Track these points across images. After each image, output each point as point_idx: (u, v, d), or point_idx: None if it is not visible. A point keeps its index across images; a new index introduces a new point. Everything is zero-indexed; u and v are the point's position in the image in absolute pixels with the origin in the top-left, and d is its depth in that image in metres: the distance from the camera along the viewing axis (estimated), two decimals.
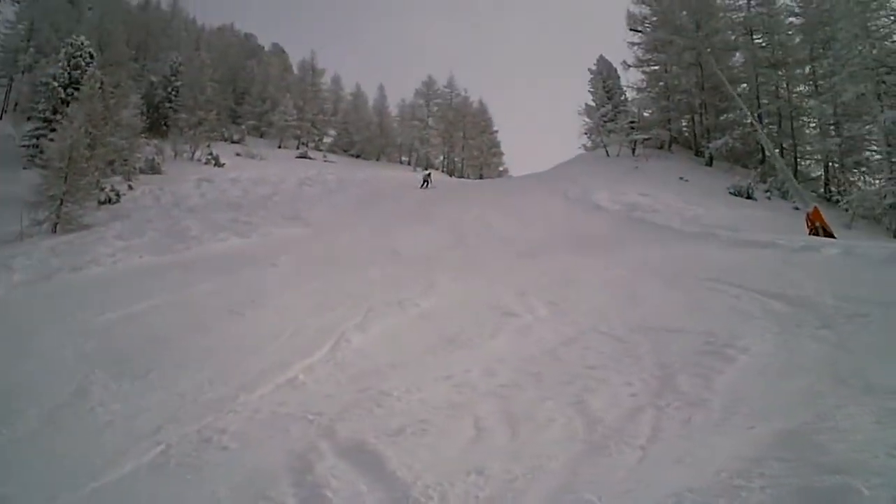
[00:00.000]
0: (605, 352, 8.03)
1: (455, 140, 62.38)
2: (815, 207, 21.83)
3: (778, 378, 6.18)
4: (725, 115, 41.94)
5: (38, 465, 5.71)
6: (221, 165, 43.05)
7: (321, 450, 5.28)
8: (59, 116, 35.38)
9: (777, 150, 42.76)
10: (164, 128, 47.50)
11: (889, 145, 26.61)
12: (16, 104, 47.20)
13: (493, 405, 6.23)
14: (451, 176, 57.87)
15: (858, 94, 27.68)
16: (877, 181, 27.99)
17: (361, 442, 5.36)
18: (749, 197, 33.00)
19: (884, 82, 27.07)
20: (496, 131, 66.43)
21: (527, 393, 6.56)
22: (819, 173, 39.20)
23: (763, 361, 6.91)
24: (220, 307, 12.71)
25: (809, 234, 20.73)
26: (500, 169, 66.01)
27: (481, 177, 60.01)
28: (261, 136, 58.69)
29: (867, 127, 29.02)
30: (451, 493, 4.47)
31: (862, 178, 33.20)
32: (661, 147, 43.46)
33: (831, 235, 20.38)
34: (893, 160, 26.68)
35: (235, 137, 53.10)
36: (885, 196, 26.23)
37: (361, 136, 60.62)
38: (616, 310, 10.57)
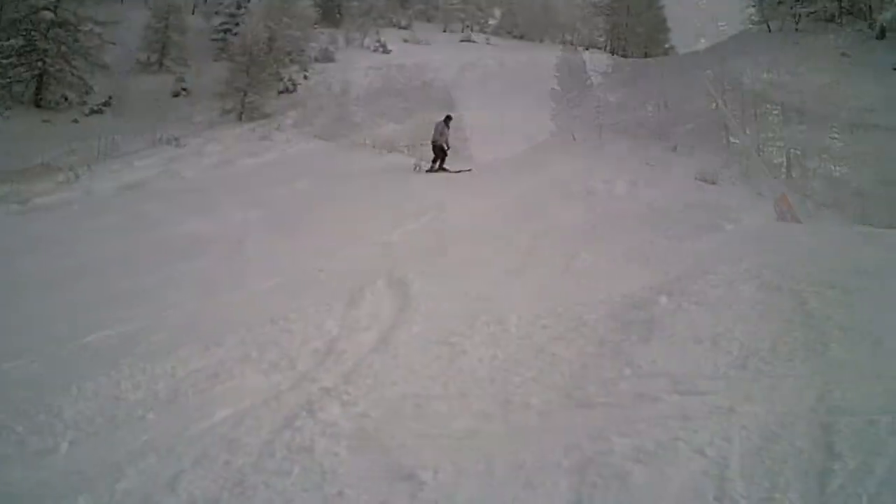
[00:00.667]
0: (632, 223, 9.84)
1: (619, 18, 61.05)
2: None
3: None
4: None
5: (205, 283, 8.66)
6: (389, 52, 45.49)
7: (377, 282, 7.70)
8: (241, 11, 39.14)
9: None
10: (338, 16, 50.41)
11: None
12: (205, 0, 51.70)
13: (515, 259, 8.42)
14: (612, 55, 57.25)
15: None
16: None
17: (404, 277, 7.76)
18: None
19: None
20: (662, 7, 64.12)
21: (547, 250, 8.66)
22: None
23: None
24: (361, 185, 15.40)
25: None
26: (666, 46, 64.03)
27: (646, 55, 58.80)
28: (427, 21, 60.48)
29: None
30: (436, 302, 6.85)
31: None
32: (830, 20, 41.04)
33: None
34: None
35: (403, 23, 55.24)
36: None
37: (524, 16, 60.89)
38: (678, 190, 12.12)
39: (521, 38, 59.73)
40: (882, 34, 37.40)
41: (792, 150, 17.33)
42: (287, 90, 33.91)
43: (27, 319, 7.42)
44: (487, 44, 53.23)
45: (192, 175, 19.82)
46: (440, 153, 17.67)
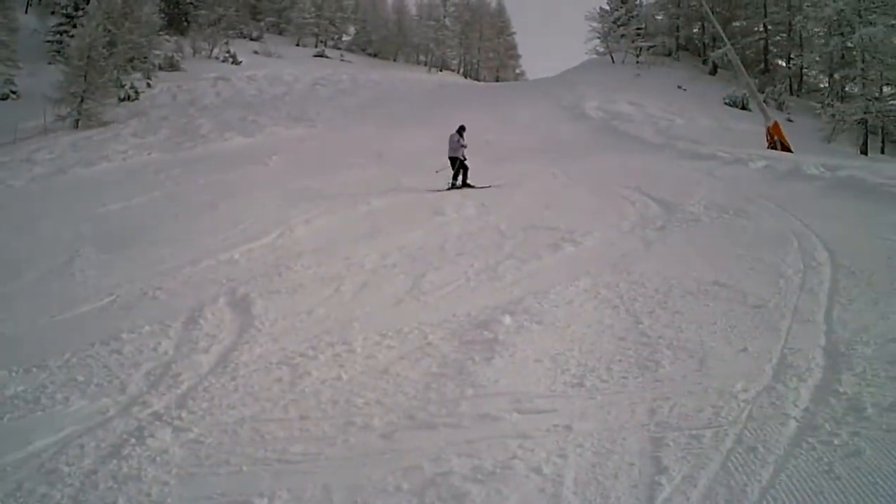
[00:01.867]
0: (484, 243, 10.05)
1: (471, 42, 62.84)
2: (775, 122, 23.11)
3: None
4: (733, 24, 42.19)
5: (25, 305, 8.05)
6: (239, 63, 44.54)
7: (218, 300, 7.48)
8: (80, 13, 37.08)
9: (784, 60, 43.41)
10: (184, 24, 48.80)
11: (864, 62, 27.53)
12: None
13: (361, 277, 8.35)
14: (465, 78, 58.68)
15: (838, 9, 28.39)
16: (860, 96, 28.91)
17: (246, 296, 7.56)
18: (744, 107, 33.59)
19: None
20: (514, 33, 66.82)
21: (395, 270, 8.66)
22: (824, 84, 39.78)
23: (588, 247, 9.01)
24: (203, 201, 14.87)
25: (768, 147, 22.09)
26: (517, 72, 66.65)
27: (497, 79, 60.80)
28: (279, 34, 59.73)
29: (848, 43, 29.72)
30: (281, 322, 6.67)
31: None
32: (668, 55, 44.06)
33: (788, 149, 21.75)
34: (867, 78, 27.70)
35: (254, 35, 54.28)
36: (854, 112, 27.34)
37: (379, 34, 61.38)
38: (526, 212, 12.49)
39: (375, 56, 60.19)
40: (714, 70, 40.59)
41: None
42: (128, 98, 32.47)
43: None
44: (342, 60, 53.23)
45: (20, 184, 18.51)
46: (461, 167, 16.46)
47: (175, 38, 44.46)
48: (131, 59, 35.45)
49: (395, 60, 60.94)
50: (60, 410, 4.91)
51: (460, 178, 16.42)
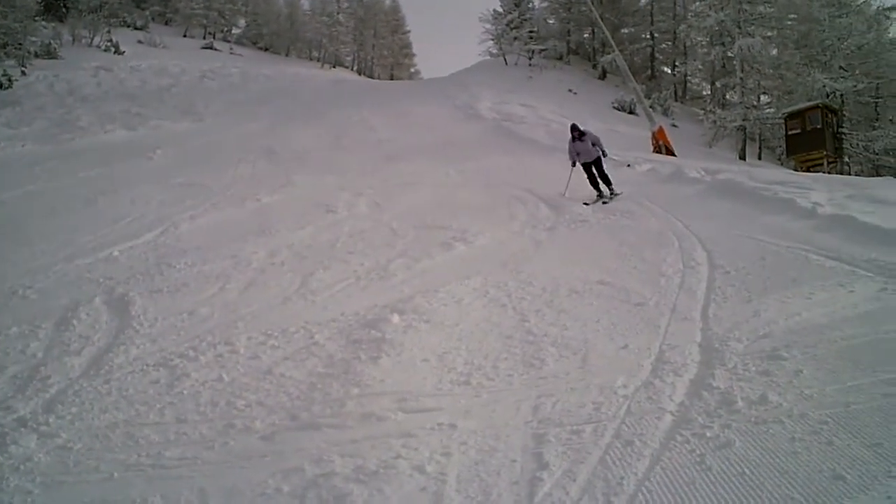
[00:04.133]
0: (375, 241, 10.01)
1: (365, 38, 62.44)
2: (661, 127, 24.00)
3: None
4: (622, 30, 43.63)
5: None
6: (121, 53, 42.64)
7: (94, 300, 7.15)
8: None
9: (669, 67, 45.27)
10: (63, 10, 46.39)
11: (743, 71, 29.05)
12: None
13: (248, 276, 8.17)
14: (360, 75, 58.29)
15: (719, 20, 29.82)
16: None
17: (125, 295, 7.26)
18: (631, 112, 34.67)
19: (745, 10, 29.29)
20: (408, 31, 66.83)
21: (283, 268, 8.51)
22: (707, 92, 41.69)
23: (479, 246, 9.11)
24: (81, 196, 14.16)
25: (653, 151, 22.93)
26: (412, 70, 66.78)
27: (392, 77, 60.69)
28: (166, 24, 57.61)
29: (728, 53, 31.31)
30: (161, 322, 6.45)
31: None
32: (560, 58, 45.11)
33: (672, 153, 22.63)
34: (746, 87, 29.28)
35: (138, 24, 52.12)
36: (733, 119, 28.80)
37: (270, 28, 60.09)
38: (419, 211, 12.51)
39: (267, 50, 58.91)
40: (603, 75, 41.86)
41: None
42: (1, 86, 30.52)
43: None
44: (231, 53, 51.84)
45: None
46: (603, 177, 13.38)
47: (53, 24, 42.22)
48: (4, 45, 33.43)
49: (287, 55, 59.84)
50: None
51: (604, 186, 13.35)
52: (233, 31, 60.95)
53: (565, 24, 45.81)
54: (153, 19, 56.17)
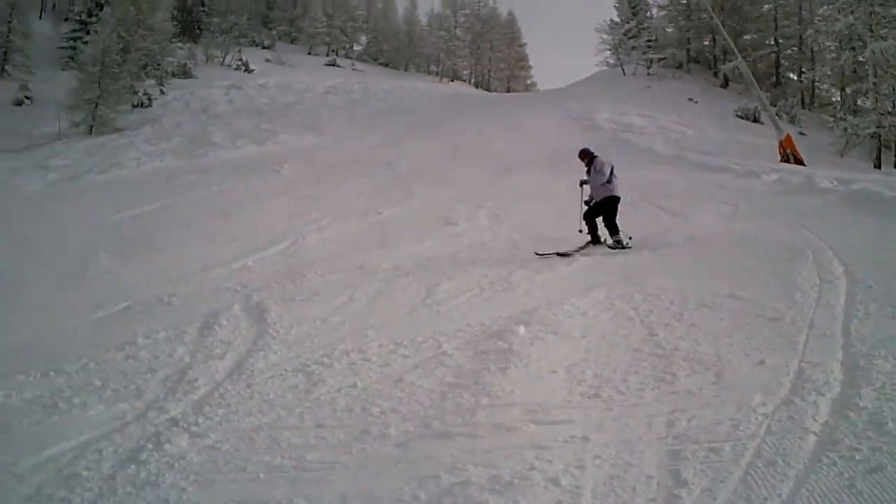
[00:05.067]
0: (494, 254, 10.08)
1: (482, 52, 63.01)
2: (788, 135, 23.06)
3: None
4: (744, 37, 42.13)
5: (40, 310, 8.11)
6: (251, 71, 44.69)
7: (233, 307, 7.52)
8: (93, 19, 37.35)
9: (795, 73, 43.38)
10: (197, 32, 49.13)
11: (876, 76, 27.43)
12: (54, 4, 49.03)
13: (374, 286, 8.39)
14: (476, 88, 58.83)
15: (849, 24, 28.32)
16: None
17: (262, 303, 7.61)
18: (756, 120, 33.39)
19: (877, 12, 27.70)
20: (524, 44, 66.94)
21: (408, 279, 8.70)
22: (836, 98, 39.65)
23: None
24: (216, 208, 14.94)
25: (781, 160, 22.03)
26: (528, 82, 66.74)
27: (508, 90, 60.89)
28: (291, 42, 60.02)
29: (860, 58, 29.65)
30: (295, 329, 6.72)
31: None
32: (679, 67, 44.04)
33: (801, 162, 21.69)
34: (879, 93, 27.62)
35: (266, 43, 54.52)
36: (866, 126, 27.25)
37: (390, 45, 61.62)
38: (537, 222, 12.54)
39: (386, 65, 60.36)
40: (725, 83, 40.56)
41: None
42: (142, 104, 32.61)
43: None
44: (353, 69, 53.35)
45: (35, 190, 18.64)
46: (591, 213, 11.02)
47: (188, 45, 44.75)
48: (144, 66, 35.66)
49: (406, 70, 61.12)
50: (78, 415, 4.93)
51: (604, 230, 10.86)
52: (354, 48, 62.85)
53: (684, 31, 44.65)
54: (279, 38, 58.62)
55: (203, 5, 50.64)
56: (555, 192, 16.21)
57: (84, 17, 39.57)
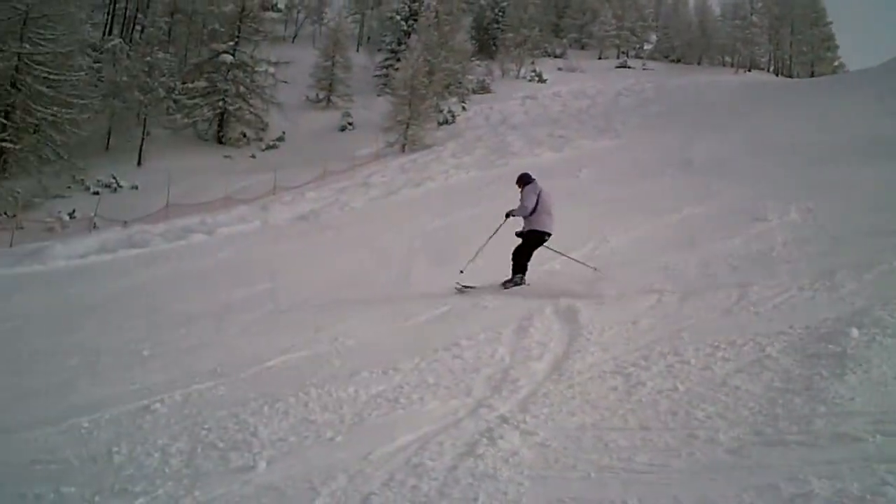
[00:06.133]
0: (810, 251, 9.41)
1: (781, 36, 58.45)
2: None
3: None
4: None
5: (375, 314, 9.01)
6: (544, 81, 45.85)
7: (544, 309, 7.78)
8: (402, 47, 40.75)
9: None
10: (493, 48, 51.42)
11: None
12: (368, 37, 54.30)
13: (681, 287, 8.23)
14: (777, 76, 54.76)
15: None
16: None
17: (572, 305, 7.78)
18: None
19: None
20: (829, 23, 60.77)
21: (717, 279, 8.38)
22: None
23: None
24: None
25: None
26: (835, 64, 60.61)
27: (812, 74, 55.82)
28: (582, 48, 60.48)
29: None
30: (608, 331, 6.79)
31: None
32: None
33: None
34: None
35: (557, 52, 55.63)
36: None
37: (681, 39, 59.50)
38: (863, 215, 11.48)
39: (678, 61, 58.49)
40: None
41: None
42: (446, 122, 34.92)
43: (205, 345, 8.04)
44: (644, 69, 52.53)
45: (359, 205, 20.75)
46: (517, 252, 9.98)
47: (485, 62, 47.02)
48: (448, 86, 38.12)
49: (698, 64, 58.72)
50: (417, 410, 5.37)
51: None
52: (644, 48, 61.79)
53: None
54: (570, 46, 59.41)
55: (497, 23, 52.82)
56: (873, 183, 14.62)
57: (394, 45, 43.23)
